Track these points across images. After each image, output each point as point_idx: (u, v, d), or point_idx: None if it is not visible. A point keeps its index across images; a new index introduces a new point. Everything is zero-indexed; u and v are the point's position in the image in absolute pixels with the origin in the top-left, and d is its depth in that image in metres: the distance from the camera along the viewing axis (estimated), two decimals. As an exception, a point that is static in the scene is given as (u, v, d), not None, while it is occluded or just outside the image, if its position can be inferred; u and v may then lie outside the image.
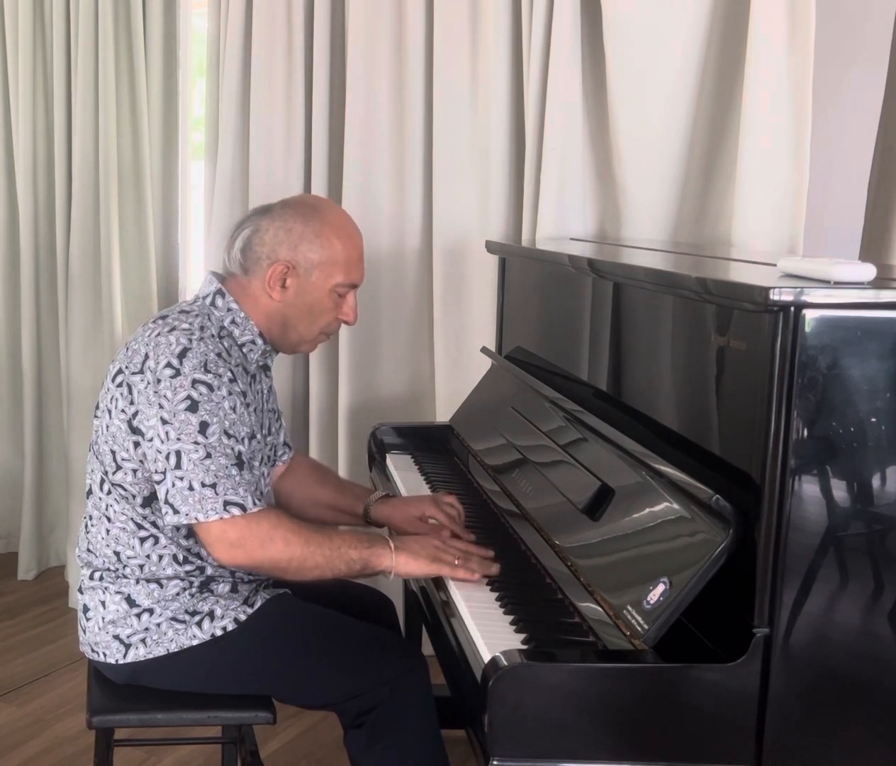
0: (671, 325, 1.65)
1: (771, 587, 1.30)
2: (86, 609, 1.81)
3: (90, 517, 1.82)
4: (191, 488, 1.62)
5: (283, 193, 2.95)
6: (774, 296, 1.26)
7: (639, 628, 1.33)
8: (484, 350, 2.52)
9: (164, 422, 1.63)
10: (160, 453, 1.64)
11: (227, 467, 1.64)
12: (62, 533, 3.70)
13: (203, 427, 1.63)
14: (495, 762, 1.29)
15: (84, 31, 3.29)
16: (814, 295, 1.27)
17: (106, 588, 1.78)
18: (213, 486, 1.63)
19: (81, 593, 1.84)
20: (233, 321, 1.79)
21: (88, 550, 1.82)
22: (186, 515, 1.64)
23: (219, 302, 1.79)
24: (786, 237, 2.17)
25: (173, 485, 1.64)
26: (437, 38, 2.71)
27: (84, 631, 1.82)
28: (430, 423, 2.77)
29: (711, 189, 2.36)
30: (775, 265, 1.48)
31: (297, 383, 3.14)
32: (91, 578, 1.81)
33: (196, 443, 1.62)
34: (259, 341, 1.81)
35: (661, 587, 1.33)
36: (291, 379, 3.11)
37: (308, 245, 1.77)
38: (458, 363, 2.81)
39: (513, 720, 1.29)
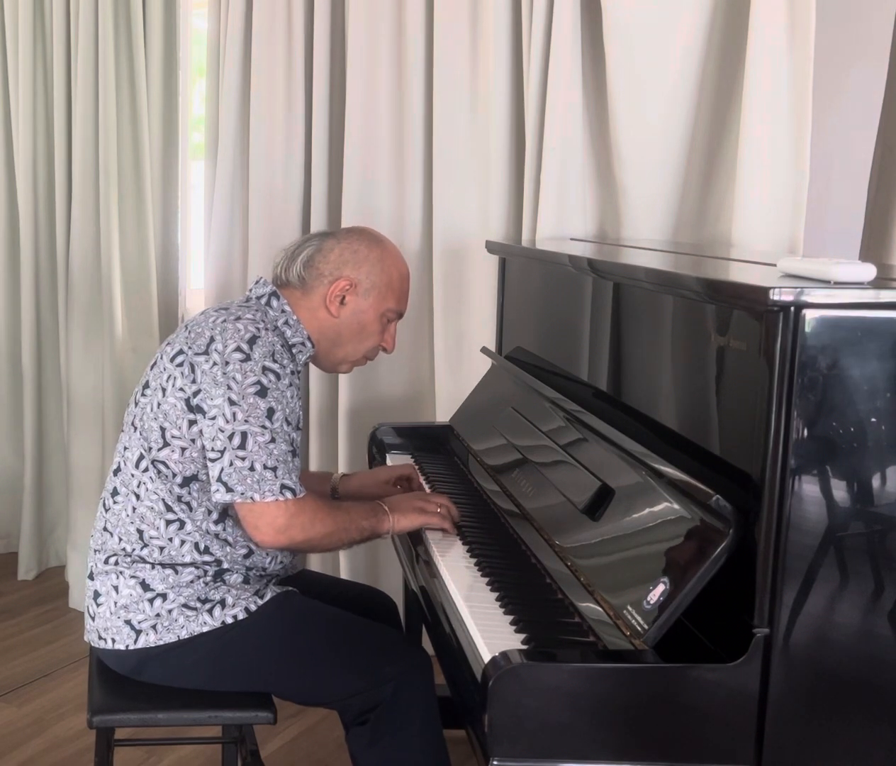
0: (671, 325, 1.64)
1: (771, 587, 1.30)
2: (96, 595, 1.82)
3: (114, 494, 1.83)
4: (252, 469, 1.69)
5: (283, 195, 3.01)
6: (774, 296, 1.26)
7: (639, 629, 1.33)
8: (484, 350, 2.52)
9: (232, 403, 1.69)
10: (222, 431, 1.69)
11: (285, 454, 1.72)
12: (62, 533, 3.71)
13: (270, 413, 1.70)
14: (495, 762, 1.29)
15: (84, 31, 3.29)
16: (814, 295, 1.27)
17: (120, 573, 1.80)
18: (274, 469, 1.70)
19: (92, 579, 1.84)
20: (286, 323, 1.86)
21: (105, 529, 1.84)
22: (242, 494, 1.70)
23: (274, 303, 1.87)
24: (786, 237, 2.17)
25: (230, 464, 1.69)
26: (437, 39, 2.71)
27: (93, 618, 1.83)
28: (430, 423, 2.77)
29: (711, 189, 2.36)
30: (775, 265, 1.48)
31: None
32: (106, 562, 1.82)
33: (263, 427, 1.70)
34: (308, 344, 1.89)
35: (661, 587, 1.33)
36: (291, 379, 3.10)
37: (370, 267, 1.90)
38: (458, 363, 2.81)
39: (513, 720, 1.29)
